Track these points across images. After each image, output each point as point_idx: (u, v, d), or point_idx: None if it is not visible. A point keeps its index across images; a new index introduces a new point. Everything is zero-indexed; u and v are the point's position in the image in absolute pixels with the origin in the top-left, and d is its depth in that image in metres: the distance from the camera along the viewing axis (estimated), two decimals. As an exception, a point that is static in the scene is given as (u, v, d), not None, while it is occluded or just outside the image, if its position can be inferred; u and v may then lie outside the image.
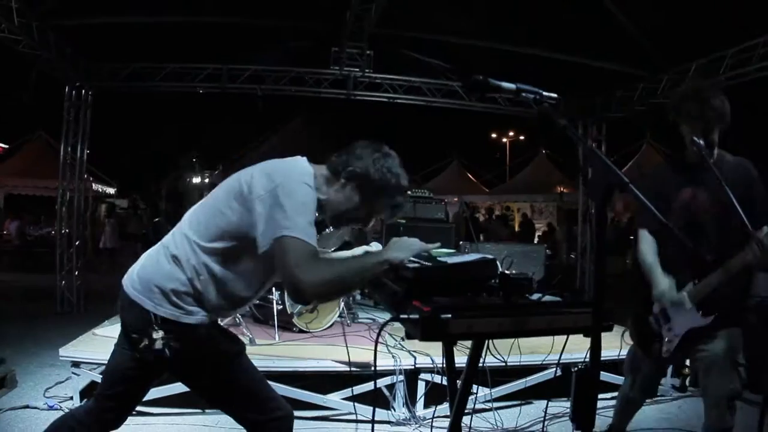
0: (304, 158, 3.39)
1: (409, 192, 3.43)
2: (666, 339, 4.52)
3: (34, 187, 24.55)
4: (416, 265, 3.02)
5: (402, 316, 2.66)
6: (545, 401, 6.65)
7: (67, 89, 13.05)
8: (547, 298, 2.94)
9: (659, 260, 4.57)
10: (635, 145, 28.31)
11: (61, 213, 13.31)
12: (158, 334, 3.21)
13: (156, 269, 3.30)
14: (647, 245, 4.72)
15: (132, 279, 3.37)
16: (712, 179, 4.17)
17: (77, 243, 13.46)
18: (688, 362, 7.28)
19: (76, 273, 13.29)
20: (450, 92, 14.85)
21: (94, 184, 26.84)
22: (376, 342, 3.11)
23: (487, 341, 3.35)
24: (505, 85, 2.70)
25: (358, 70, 13.59)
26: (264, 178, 3.16)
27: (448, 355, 3.67)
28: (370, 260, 3.17)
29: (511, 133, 47.59)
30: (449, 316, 2.56)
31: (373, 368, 3.56)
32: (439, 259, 3.17)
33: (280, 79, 13.98)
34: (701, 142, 4.28)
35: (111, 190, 30.84)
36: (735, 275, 4.17)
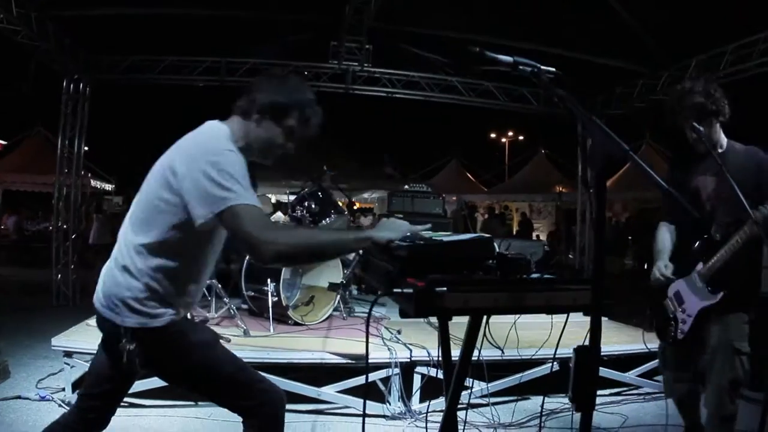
0: (215, 121, 3.42)
1: (319, 111, 3.52)
2: (680, 320, 4.76)
3: (32, 183, 24.48)
4: (410, 242, 2.96)
5: (395, 290, 2.58)
6: (538, 396, 6.62)
7: (65, 82, 13.00)
8: (547, 276, 2.88)
9: (678, 249, 4.88)
10: (635, 145, 28.32)
11: (57, 207, 13.27)
12: (130, 346, 3.19)
13: (112, 282, 3.28)
14: (662, 234, 4.99)
15: (98, 296, 3.37)
16: (716, 166, 4.33)
17: (73, 237, 13.45)
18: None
19: (72, 267, 13.27)
20: (448, 87, 14.85)
21: (92, 181, 26.84)
22: (367, 329, 3.02)
23: (483, 330, 3.29)
24: (502, 57, 2.65)
25: (356, 64, 13.59)
26: (185, 157, 3.16)
27: (444, 338, 3.59)
28: (351, 235, 3.21)
29: (511, 133, 47.63)
30: (444, 289, 2.49)
31: (365, 354, 3.45)
32: (434, 238, 3.10)
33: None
34: (701, 128, 4.46)
35: (109, 187, 30.85)
36: (740, 251, 4.39)
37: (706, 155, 4.57)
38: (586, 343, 2.30)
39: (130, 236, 3.27)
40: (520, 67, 2.61)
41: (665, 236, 4.98)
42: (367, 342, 3.13)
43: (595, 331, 2.23)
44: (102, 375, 3.55)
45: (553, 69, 2.60)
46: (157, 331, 3.21)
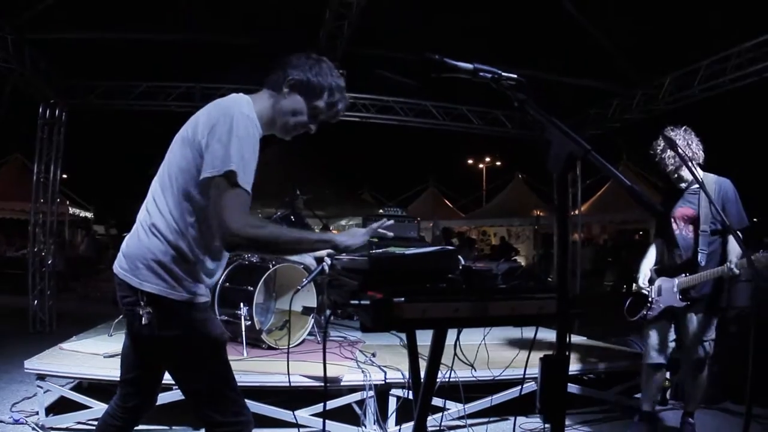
0: (241, 94, 3.43)
1: (346, 100, 3.62)
2: (653, 306, 6.48)
3: (11, 210, 24.34)
4: (371, 255, 2.90)
5: (353, 302, 2.52)
6: (521, 417, 6.58)
7: (41, 107, 12.93)
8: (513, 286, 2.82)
9: (667, 256, 6.56)
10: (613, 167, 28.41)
11: (34, 233, 13.17)
12: (144, 310, 3.17)
13: (137, 244, 3.26)
14: (649, 252, 6.81)
15: (119, 259, 3.34)
16: (696, 199, 6.14)
17: (50, 262, 13.30)
18: (667, 375, 7.29)
19: (48, 293, 13.13)
20: (423, 111, 14.89)
21: (70, 208, 26.74)
22: (324, 345, 2.96)
23: (454, 347, 3.24)
24: (462, 65, 2.62)
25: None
26: (205, 117, 3.21)
27: (411, 352, 3.53)
28: (313, 236, 3.32)
29: (488, 159, 47.83)
30: (402, 299, 2.42)
31: (323, 375, 3.40)
32: (397, 251, 3.04)
33: (253, 98, 13.90)
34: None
35: (88, 215, 30.73)
36: (712, 280, 6.01)
37: (682, 190, 6.35)
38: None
39: (158, 196, 3.27)
40: (481, 74, 2.58)
41: (651, 253, 6.77)
42: (324, 355, 3.08)
43: (562, 338, 2.16)
44: (130, 360, 3.61)
45: (515, 75, 2.55)
46: (174, 304, 3.21)
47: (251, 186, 3.08)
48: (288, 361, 4.56)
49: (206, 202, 3.11)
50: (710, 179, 6.10)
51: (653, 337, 6.48)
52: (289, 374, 5.87)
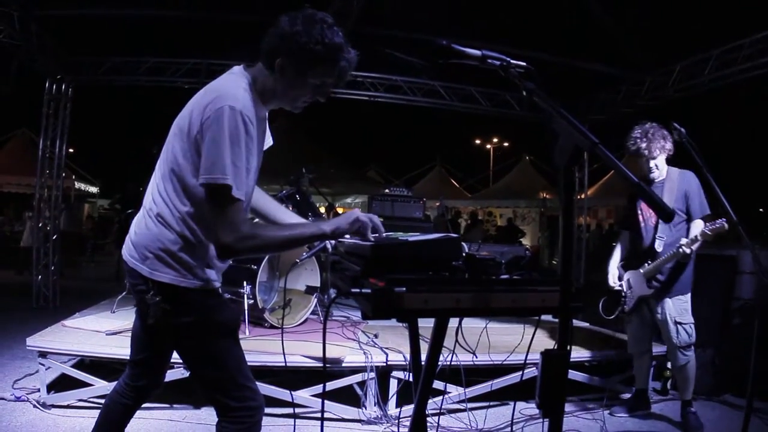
0: (240, 68, 3.31)
1: (353, 57, 3.27)
2: (627, 299, 6.79)
3: (17, 185, 24.32)
4: (373, 242, 2.87)
5: (353, 290, 2.49)
6: (522, 402, 6.58)
7: (47, 82, 12.90)
8: (514, 277, 2.79)
9: (632, 248, 6.93)
10: (617, 154, 28.35)
11: (39, 208, 13.16)
12: (154, 299, 3.16)
13: (145, 234, 3.23)
14: (617, 249, 7.16)
15: (128, 247, 3.32)
16: (660, 190, 6.46)
17: (54, 238, 13.30)
18: (669, 365, 7.30)
19: (52, 268, 13.15)
20: (431, 91, 14.82)
21: (76, 183, 26.75)
22: (324, 327, 2.94)
23: (456, 333, 3.22)
24: (471, 51, 2.57)
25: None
26: (197, 107, 3.08)
27: (413, 340, 3.51)
28: (303, 231, 3.21)
29: (495, 139, 47.69)
30: (403, 289, 2.40)
31: (323, 353, 3.38)
32: (400, 238, 3.01)
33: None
34: (683, 129, 5.42)
35: (94, 189, 30.77)
36: (671, 264, 6.42)
37: (651, 182, 6.62)
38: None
39: (159, 184, 3.23)
40: (489, 60, 2.54)
41: (617, 251, 7.13)
42: (324, 343, 3.04)
43: (564, 335, 2.13)
44: (140, 342, 3.66)
45: (524, 63, 2.52)
46: (186, 291, 3.18)
47: (246, 191, 3.08)
48: (282, 341, 4.54)
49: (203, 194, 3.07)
50: (675, 172, 6.55)
51: (632, 326, 6.98)
52: (284, 354, 5.90)
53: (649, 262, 6.50)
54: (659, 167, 6.54)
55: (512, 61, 2.52)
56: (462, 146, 51.07)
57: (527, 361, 6.27)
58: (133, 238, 3.29)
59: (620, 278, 6.88)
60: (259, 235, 3.06)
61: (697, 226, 6.22)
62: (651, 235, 6.57)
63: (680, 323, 6.41)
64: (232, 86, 3.11)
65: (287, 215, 3.83)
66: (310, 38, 3.08)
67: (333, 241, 3.58)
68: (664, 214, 2.04)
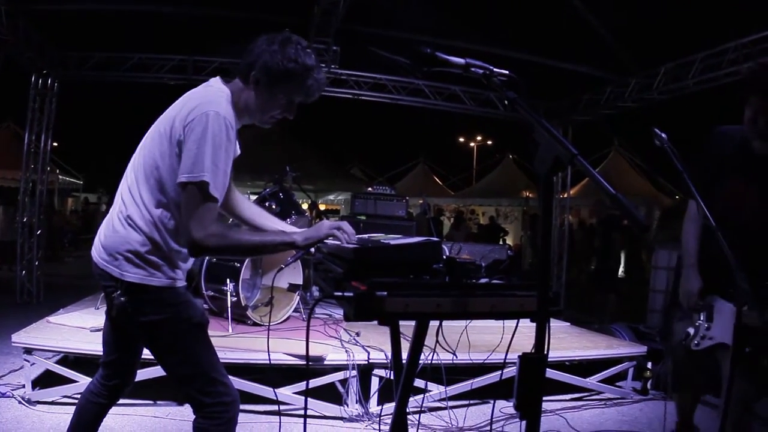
0: (219, 80, 3.46)
1: (321, 78, 3.46)
2: (700, 335, 4.40)
3: (2, 179, 24.19)
4: (356, 245, 2.92)
5: (336, 293, 2.54)
6: (501, 401, 6.63)
7: (33, 77, 12.88)
8: (494, 282, 2.84)
9: (713, 255, 3.84)
10: (603, 152, 28.48)
11: (23, 202, 13.12)
12: (121, 299, 3.22)
13: (114, 235, 3.28)
14: (692, 225, 4.59)
15: (97, 248, 3.37)
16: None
17: (38, 233, 13.29)
18: (649, 365, 7.32)
19: (36, 263, 13.12)
20: (415, 90, 14.86)
21: (60, 177, 26.64)
22: (308, 326, 2.99)
23: (437, 334, 3.26)
24: (454, 59, 2.61)
25: (323, 65, 13.47)
26: (181, 112, 3.19)
27: (394, 342, 3.56)
28: (274, 239, 3.31)
29: (479, 137, 47.76)
30: (384, 293, 2.46)
31: (306, 352, 3.43)
32: (382, 241, 3.06)
33: (245, 72, 13.85)
34: (663, 135, 4.04)
35: (78, 183, 30.69)
36: None
37: (760, 158, 4.24)
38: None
39: (133, 187, 3.28)
40: (472, 69, 2.57)
41: (694, 238, 4.57)
42: (307, 344, 3.09)
43: (541, 339, 2.18)
44: (111, 343, 3.67)
45: (507, 72, 2.56)
46: (154, 289, 3.24)
47: (223, 192, 3.14)
48: (268, 339, 4.57)
49: (180, 197, 3.15)
50: None
51: (684, 358, 4.81)
52: (269, 352, 5.93)
53: (756, 309, 3.53)
54: None
55: (495, 69, 2.56)
56: (445, 144, 51.10)
57: (506, 361, 6.35)
58: (102, 240, 3.35)
59: (700, 293, 4.44)
60: (228, 236, 3.13)
61: None
62: (754, 244, 3.97)
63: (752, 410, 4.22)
64: (215, 96, 3.24)
65: (269, 221, 3.89)
66: (284, 56, 3.29)
67: None
68: (639, 226, 2.04)
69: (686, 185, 3.85)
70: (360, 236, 3.28)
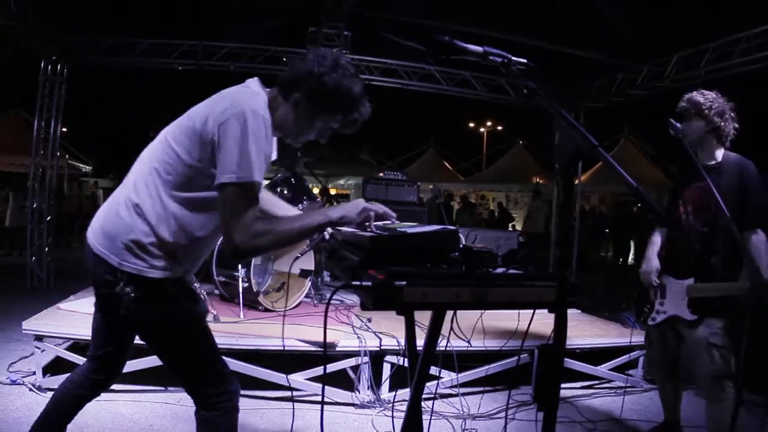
0: (257, 82, 3.34)
1: (366, 111, 3.36)
2: (656, 310, 5.36)
3: (10, 164, 24.16)
4: (372, 233, 2.90)
5: (354, 282, 2.52)
6: (514, 387, 6.62)
7: (42, 63, 12.85)
8: (512, 272, 2.82)
9: (674, 244, 5.29)
10: (613, 139, 28.36)
11: (33, 189, 13.11)
12: (124, 291, 3.12)
13: (117, 221, 3.18)
14: (656, 234, 5.50)
15: (95, 232, 3.26)
16: (711, 180, 4.51)
17: (48, 219, 13.28)
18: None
19: (47, 249, 13.14)
20: (426, 76, 14.82)
21: (69, 162, 26.62)
22: (326, 313, 2.97)
23: (451, 321, 3.25)
24: (472, 47, 2.59)
25: (335, 50, 13.43)
26: (213, 110, 3.08)
27: (409, 331, 3.55)
28: (312, 221, 3.15)
29: (489, 123, 47.60)
30: (403, 283, 2.44)
31: (323, 341, 3.41)
32: (399, 229, 3.04)
33: (255, 57, 13.82)
34: (678, 125, 4.86)
35: (87, 169, 30.65)
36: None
37: (705, 167, 4.85)
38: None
39: (149, 177, 3.18)
40: (490, 57, 2.56)
41: (656, 239, 5.48)
42: (324, 333, 3.08)
43: (560, 330, 2.17)
44: (102, 337, 3.61)
45: (525, 60, 2.54)
46: (151, 282, 3.15)
47: (262, 180, 3.08)
48: (284, 325, 4.55)
49: (201, 195, 3.12)
50: (732, 159, 5.05)
51: (652, 344, 5.61)
52: (284, 338, 5.93)
53: (697, 278, 4.96)
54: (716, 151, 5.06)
55: (513, 58, 2.54)
56: (455, 129, 50.92)
57: (522, 348, 6.40)
58: (103, 225, 3.25)
59: (655, 272, 5.37)
60: (272, 230, 3.04)
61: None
62: (703, 239, 5.02)
63: (716, 346, 4.86)
64: (252, 96, 3.13)
65: (284, 208, 3.92)
66: (333, 83, 3.16)
67: (330, 230, 3.56)
68: (660, 218, 2.07)
69: (699, 173, 4.61)
70: (375, 223, 3.25)
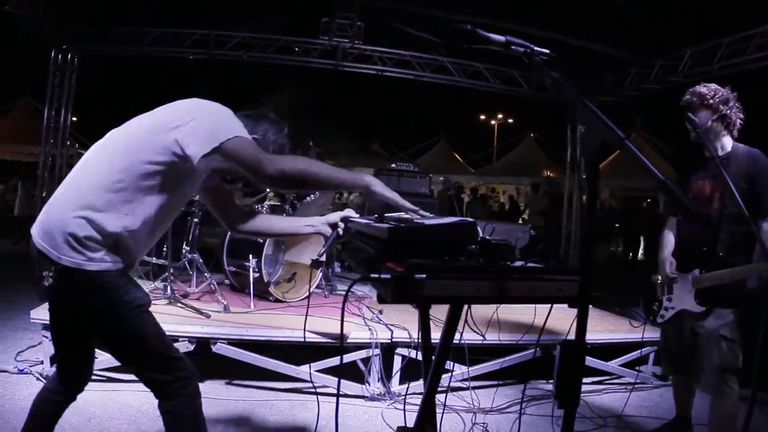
0: None
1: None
2: (663, 307, 5.29)
3: (20, 153, 24.21)
4: (390, 225, 2.85)
5: (373, 275, 2.47)
6: (524, 382, 6.58)
7: (53, 52, 12.83)
8: (530, 265, 2.77)
9: (680, 238, 5.31)
10: (625, 134, 28.24)
11: (43, 177, 13.10)
12: (50, 275, 3.12)
13: (58, 215, 3.15)
14: (667, 227, 5.46)
15: (36, 228, 3.24)
16: (715, 171, 4.67)
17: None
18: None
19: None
20: (439, 67, 14.78)
21: (79, 151, 26.63)
22: (343, 307, 2.92)
23: (465, 314, 3.21)
24: (494, 36, 2.53)
25: (347, 41, 13.42)
26: (184, 107, 3.26)
27: (424, 324, 3.51)
28: (348, 174, 3.27)
29: (500, 115, 47.50)
30: (423, 276, 2.39)
31: (340, 335, 3.38)
32: (416, 220, 3.00)
33: (268, 47, 13.79)
34: (695, 119, 4.81)
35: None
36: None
37: (708, 159, 4.93)
38: (568, 324, 2.22)
39: (93, 171, 3.20)
40: (513, 47, 2.51)
41: (670, 234, 5.40)
42: (342, 327, 3.04)
43: (582, 326, 2.13)
44: (60, 340, 3.58)
45: (547, 51, 2.50)
46: (90, 275, 3.10)
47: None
48: (306, 317, 4.51)
49: (156, 184, 3.17)
50: (741, 150, 4.98)
51: (667, 341, 5.52)
52: (305, 331, 6.00)
53: (702, 269, 4.95)
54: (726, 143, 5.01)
55: (536, 48, 2.50)
56: (466, 121, 50.83)
57: (539, 342, 6.52)
58: (42, 218, 3.24)
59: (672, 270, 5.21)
60: (297, 160, 3.15)
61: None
62: (710, 230, 4.96)
63: (726, 338, 4.81)
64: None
65: (286, 221, 4.15)
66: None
67: (342, 226, 3.73)
68: (688, 213, 2.03)
69: (706, 165, 4.79)
70: (389, 215, 3.21)
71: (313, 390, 6.30)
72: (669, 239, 5.39)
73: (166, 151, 3.10)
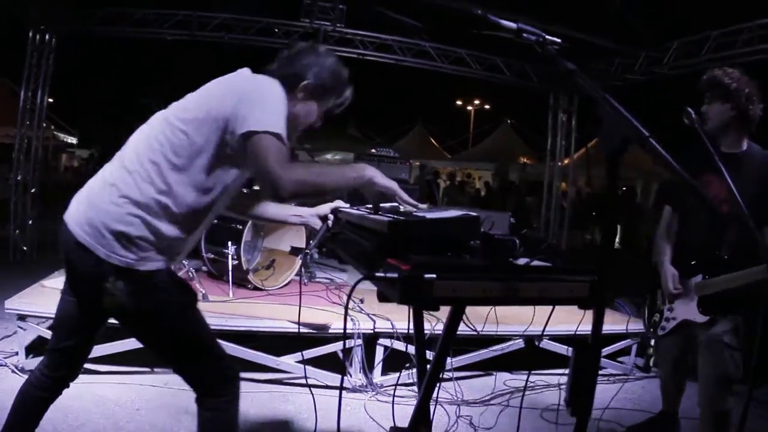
0: (248, 70, 3.37)
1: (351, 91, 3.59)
2: (664, 318, 4.92)
3: (-3, 135, 23.90)
4: (390, 218, 2.73)
5: (378, 274, 2.33)
6: (506, 373, 6.54)
7: (30, 33, 12.62)
8: (536, 263, 2.66)
9: (678, 240, 4.89)
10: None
11: (18, 160, 12.88)
12: (115, 286, 2.97)
13: (106, 210, 2.99)
14: (664, 227, 5.03)
15: (78, 219, 3.05)
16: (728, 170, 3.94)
17: (32, 191, 13.06)
18: (652, 342, 7.19)
19: (30, 222, 12.94)
20: (421, 52, 14.65)
21: (54, 133, 26.34)
22: (347, 306, 2.81)
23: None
24: (506, 23, 2.43)
25: (329, 23, 13.28)
26: (234, 89, 3.10)
27: (418, 322, 3.41)
28: (351, 172, 3.17)
29: (477, 101, 47.57)
30: (434, 276, 2.25)
31: (343, 331, 3.29)
32: (415, 213, 2.89)
33: (248, 29, 13.64)
34: (694, 114, 4.31)
35: (72, 140, 30.31)
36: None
37: (728, 156, 4.39)
38: (574, 327, 2.13)
39: (143, 165, 3.03)
40: (524, 35, 2.41)
41: (665, 231, 5.02)
42: (345, 322, 2.94)
43: (597, 328, 2.04)
44: (69, 327, 3.41)
45: (558, 40, 2.39)
46: (141, 275, 3.00)
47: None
48: (300, 308, 4.44)
49: (207, 179, 3.07)
50: (757, 151, 4.61)
51: (665, 343, 5.29)
52: (299, 323, 5.94)
53: (705, 274, 4.58)
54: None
55: (548, 36, 2.40)
56: (443, 106, 50.97)
57: (509, 333, 6.47)
58: (87, 210, 3.07)
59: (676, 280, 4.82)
60: (310, 173, 3.06)
61: None
62: (716, 231, 4.51)
63: (729, 346, 4.49)
64: (270, 80, 3.20)
65: (280, 207, 3.94)
66: (331, 69, 3.42)
67: (332, 218, 3.68)
68: (719, 213, 1.93)
69: (716, 164, 3.93)
70: (381, 204, 3.14)
71: (294, 382, 6.24)
72: (665, 248, 4.97)
73: (213, 131, 3.05)
